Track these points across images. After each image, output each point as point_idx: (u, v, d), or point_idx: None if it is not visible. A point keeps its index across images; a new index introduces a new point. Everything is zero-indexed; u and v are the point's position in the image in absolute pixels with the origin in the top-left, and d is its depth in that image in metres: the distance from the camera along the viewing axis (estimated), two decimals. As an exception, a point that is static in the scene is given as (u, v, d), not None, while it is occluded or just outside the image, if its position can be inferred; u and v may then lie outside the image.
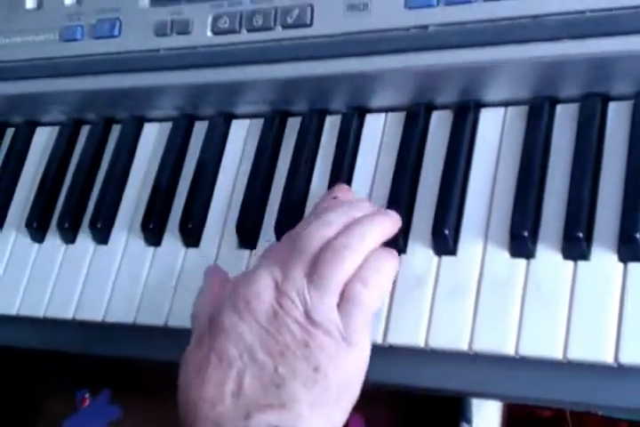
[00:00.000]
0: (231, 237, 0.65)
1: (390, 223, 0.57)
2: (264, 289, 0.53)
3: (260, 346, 0.52)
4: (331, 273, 0.53)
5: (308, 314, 0.52)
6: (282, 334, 0.52)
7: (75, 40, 0.71)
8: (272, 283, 0.53)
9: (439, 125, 0.63)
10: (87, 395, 0.89)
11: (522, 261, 0.55)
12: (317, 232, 0.55)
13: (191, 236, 0.66)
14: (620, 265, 0.53)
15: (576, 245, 0.53)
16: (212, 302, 0.57)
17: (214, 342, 0.53)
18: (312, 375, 0.51)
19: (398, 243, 0.58)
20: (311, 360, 0.51)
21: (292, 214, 0.64)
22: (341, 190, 0.61)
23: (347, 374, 0.52)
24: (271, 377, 0.51)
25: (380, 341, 0.57)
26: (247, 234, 0.64)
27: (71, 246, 0.71)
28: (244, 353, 0.52)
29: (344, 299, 0.53)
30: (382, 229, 0.56)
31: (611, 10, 0.54)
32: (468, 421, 0.73)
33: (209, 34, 0.67)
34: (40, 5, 0.74)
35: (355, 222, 0.55)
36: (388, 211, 0.58)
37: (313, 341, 0.52)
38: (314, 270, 0.53)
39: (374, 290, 0.54)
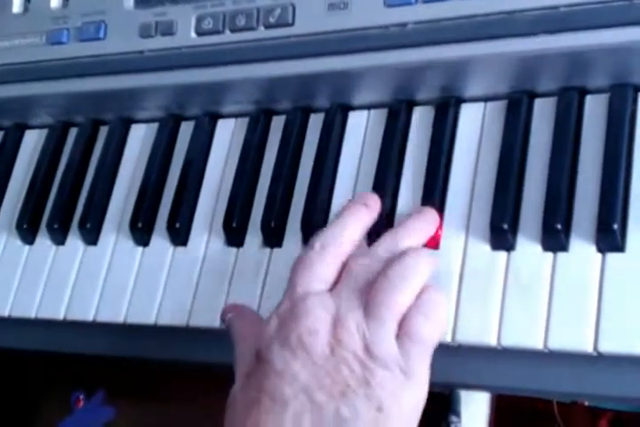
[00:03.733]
0: (219, 235, 0.66)
1: (435, 260, 0.54)
2: (319, 323, 0.50)
3: (318, 385, 0.49)
4: (390, 301, 0.50)
5: (367, 348, 0.49)
6: (340, 373, 0.49)
7: (61, 43, 0.72)
8: (326, 315, 0.51)
9: (421, 121, 0.63)
10: (82, 396, 0.89)
11: (502, 254, 0.56)
12: (367, 264, 0.53)
13: (179, 235, 0.67)
14: (599, 256, 0.53)
15: (555, 237, 0.54)
16: (254, 338, 0.53)
17: (265, 383, 0.50)
18: (375, 416, 0.48)
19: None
20: (373, 399, 0.48)
21: (279, 212, 0.64)
22: (374, 199, 0.59)
23: (408, 409, 0.50)
24: (333, 419, 0.48)
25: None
26: (234, 232, 0.65)
27: (61, 247, 0.72)
28: (299, 393, 0.49)
29: (404, 332, 0.50)
30: (430, 262, 0.54)
31: (584, 4, 0.54)
32: (457, 413, 0.73)
33: (193, 35, 0.68)
34: (26, 9, 0.75)
35: (405, 254, 0.53)
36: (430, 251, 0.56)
37: (373, 378, 0.49)
38: (370, 299, 0.51)
39: (435, 324, 0.51)
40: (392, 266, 0.52)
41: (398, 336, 0.50)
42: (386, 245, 0.55)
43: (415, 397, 0.50)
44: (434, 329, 0.51)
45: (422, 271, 0.52)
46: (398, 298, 0.51)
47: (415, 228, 0.57)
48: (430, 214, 0.58)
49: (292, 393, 0.49)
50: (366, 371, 0.49)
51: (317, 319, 0.51)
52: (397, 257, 0.53)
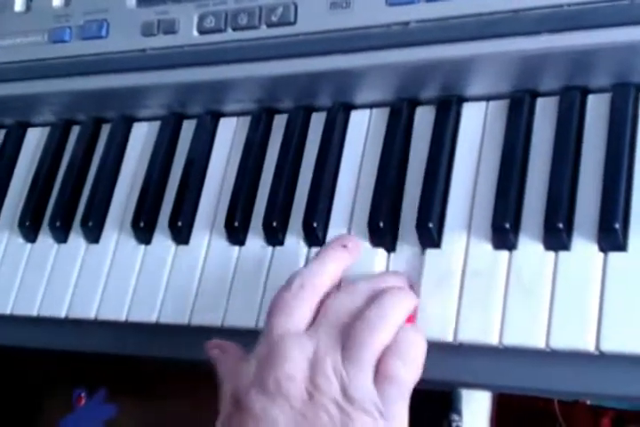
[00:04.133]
0: (220, 234, 0.66)
1: (415, 297, 0.55)
2: (295, 368, 0.50)
3: None
4: (367, 344, 0.50)
5: (345, 392, 0.49)
6: (319, 418, 0.49)
7: (63, 41, 0.72)
8: (303, 359, 0.51)
9: (423, 120, 0.63)
10: (83, 394, 0.89)
11: (504, 253, 0.56)
12: (346, 302, 0.53)
13: (181, 233, 0.67)
14: (601, 255, 0.53)
15: (557, 236, 0.54)
16: (233, 378, 0.53)
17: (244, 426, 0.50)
18: None
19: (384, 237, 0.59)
20: None
21: (281, 211, 0.64)
22: (350, 240, 0.58)
23: None
24: None
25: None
26: (236, 231, 0.65)
27: (63, 246, 0.72)
28: None
29: (381, 375, 0.50)
30: (411, 301, 0.54)
31: (588, 3, 0.54)
32: (458, 412, 0.73)
33: (195, 33, 0.68)
34: (29, 8, 0.75)
35: (384, 292, 0.53)
36: (404, 287, 0.56)
37: (352, 422, 0.49)
38: (348, 342, 0.51)
39: (413, 366, 0.51)
40: (370, 306, 0.52)
41: (376, 379, 0.50)
42: (365, 281, 0.55)
43: None
44: (411, 371, 0.51)
45: (400, 310, 0.53)
46: (376, 340, 0.51)
47: (395, 274, 0.57)
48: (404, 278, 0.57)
49: None
50: (345, 416, 0.49)
51: (294, 364, 0.50)
52: (376, 295, 0.53)
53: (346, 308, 0.53)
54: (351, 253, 0.57)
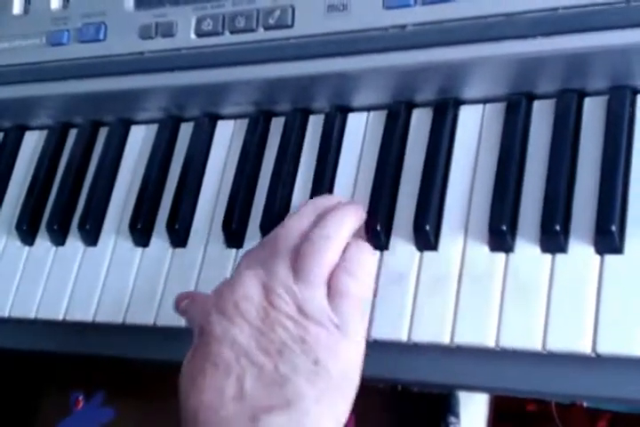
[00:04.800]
0: (218, 236, 0.66)
1: (360, 211, 0.58)
2: (251, 290, 0.53)
3: (256, 347, 0.52)
4: (314, 264, 0.53)
5: (299, 308, 0.52)
6: (276, 332, 0.52)
7: (61, 44, 0.72)
8: (258, 282, 0.54)
9: (420, 123, 0.64)
10: (81, 397, 0.89)
11: (501, 255, 0.56)
12: (292, 226, 0.55)
13: (178, 236, 0.67)
14: (597, 257, 0.53)
15: (553, 239, 0.54)
16: (199, 314, 0.56)
17: (207, 350, 0.53)
18: (313, 369, 0.51)
19: (380, 239, 0.59)
20: (310, 354, 0.51)
21: (278, 213, 0.64)
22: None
23: (346, 362, 0.52)
24: (272, 377, 0.51)
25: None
26: (233, 233, 0.65)
27: (61, 248, 0.72)
28: (240, 356, 0.52)
29: (332, 290, 0.53)
30: (355, 217, 0.57)
31: (583, 6, 0.55)
32: (456, 414, 0.73)
33: (193, 36, 0.68)
34: (27, 11, 0.75)
35: (328, 212, 0.56)
36: (352, 201, 0.59)
37: (308, 334, 0.51)
38: (297, 264, 0.53)
39: (360, 280, 0.54)
40: (314, 229, 0.55)
41: (329, 295, 0.53)
42: (310, 203, 0.57)
43: (351, 350, 0.52)
44: (360, 284, 0.54)
45: (344, 227, 0.55)
46: (322, 260, 0.53)
47: (345, 212, 0.58)
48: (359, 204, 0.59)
49: (232, 357, 0.52)
50: (301, 329, 0.52)
51: (250, 287, 0.53)
52: (321, 215, 0.56)
53: (293, 231, 0.55)
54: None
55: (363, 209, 0.59)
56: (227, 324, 0.53)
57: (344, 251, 0.55)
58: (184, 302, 0.60)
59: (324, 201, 0.58)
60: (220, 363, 0.52)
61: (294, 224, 0.56)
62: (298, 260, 0.54)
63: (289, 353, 0.51)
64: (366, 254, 0.55)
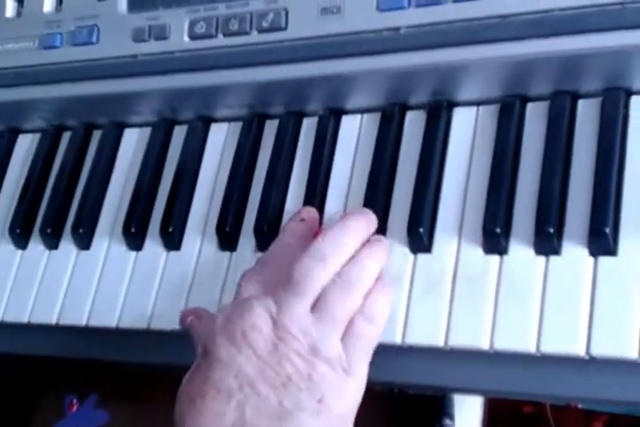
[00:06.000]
0: (211, 239, 0.66)
1: (385, 252, 0.57)
2: (260, 321, 0.53)
3: (261, 378, 0.51)
4: (340, 309, 0.53)
5: (312, 347, 0.52)
6: (283, 366, 0.51)
7: (54, 47, 0.72)
8: (267, 315, 0.53)
9: (413, 125, 0.64)
10: (75, 400, 0.89)
11: (495, 258, 0.56)
12: (314, 268, 0.54)
13: (172, 239, 0.67)
14: (591, 259, 0.53)
15: (547, 241, 0.54)
16: (204, 333, 0.55)
17: (211, 373, 0.52)
18: (317, 407, 0.51)
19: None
20: (315, 392, 0.51)
21: (272, 216, 0.64)
22: (309, 213, 0.62)
23: (347, 403, 0.52)
24: (275, 409, 0.51)
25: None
26: (227, 236, 0.65)
27: (54, 252, 0.72)
28: (244, 385, 0.51)
29: (348, 333, 0.53)
30: (380, 260, 0.56)
31: (577, 8, 0.55)
32: (451, 416, 0.73)
33: (186, 39, 0.68)
34: (19, 14, 0.75)
35: (355, 257, 0.55)
36: (378, 237, 0.58)
37: (315, 372, 0.51)
38: (321, 307, 0.53)
39: (379, 325, 0.54)
40: (342, 273, 0.54)
41: (342, 337, 0.53)
42: (327, 242, 0.56)
43: (354, 390, 0.53)
44: (376, 330, 0.54)
45: (370, 275, 0.55)
46: (348, 306, 0.54)
47: (356, 225, 0.57)
48: (368, 215, 0.58)
49: (236, 385, 0.51)
50: (309, 366, 0.52)
51: (259, 317, 0.53)
52: (348, 263, 0.55)
53: (315, 274, 0.54)
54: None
55: (386, 245, 0.58)
56: (234, 351, 0.52)
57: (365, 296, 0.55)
58: (189, 319, 0.59)
59: (344, 237, 0.56)
60: (223, 388, 0.51)
61: (315, 265, 0.54)
62: (322, 302, 0.53)
63: (294, 388, 0.51)
64: (387, 300, 0.55)
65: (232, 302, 0.57)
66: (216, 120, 0.72)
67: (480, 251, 0.56)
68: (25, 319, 0.69)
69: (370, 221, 0.58)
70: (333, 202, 0.63)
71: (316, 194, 0.64)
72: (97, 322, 0.67)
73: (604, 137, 0.56)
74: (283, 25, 0.64)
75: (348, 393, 0.52)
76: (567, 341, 0.52)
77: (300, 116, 0.68)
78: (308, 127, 0.68)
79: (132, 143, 0.74)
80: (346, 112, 0.67)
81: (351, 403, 0.53)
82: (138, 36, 0.69)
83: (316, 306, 0.53)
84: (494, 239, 0.55)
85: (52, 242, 0.72)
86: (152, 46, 0.69)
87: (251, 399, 0.51)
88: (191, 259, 0.66)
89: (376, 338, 0.55)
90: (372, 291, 0.55)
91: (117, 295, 0.67)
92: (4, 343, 0.72)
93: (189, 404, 0.52)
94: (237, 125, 0.70)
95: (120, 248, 0.69)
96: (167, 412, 0.85)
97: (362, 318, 0.54)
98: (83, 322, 0.67)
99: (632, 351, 0.50)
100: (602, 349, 0.51)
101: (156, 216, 0.69)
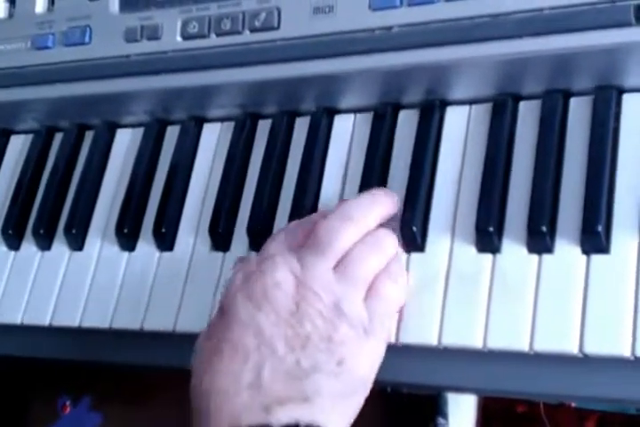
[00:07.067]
0: (205, 240, 0.66)
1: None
2: (283, 280, 0.52)
3: (280, 338, 0.51)
4: (364, 269, 0.53)
5: (336, 307, 0.51)
6: (303, 327, 0.51)
7: (46, 48, 0.72)
8: (290, 274, 0.52)
9: (406, 124, 0.63)
10: (68, 402, 0.89)
11: (488, 256, 0.56)
12: (341, 227, 0.54)
13: (165, 240, 0.67)
14: (584, 257, 0.53)
15: (540, 239, 0.54)
16: (224, 290, 0.55)
17: (228, 333, 0.52)
18: (336, 369, 0.50)
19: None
20: (335, 354, 0.50)
21: (265, 216, 0.64)
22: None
23: (366, 367, 0.52)
24: (293, 370, 0.50)
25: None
26: (220, 236, 0.65)
27: (47, 253, 0.72)
28: (261, 345, 0.51)
29: (372, 293, 0.53)
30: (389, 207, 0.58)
31: (568, 7, 0.55)
32: (444, 416, 0.73)
33: (178, 39, 0.67)
34: (11, 14, 0.75)
35: (381, 225, 0.56)
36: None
37: (336, 333, 0.51)
38: (345, 266, 0.53)
39: (402, 286, 0.55)
40: (367, 235, 0.55)
41: (365, 298, 0.53)
42: (354, 205, 0.56)
43: (374, 353, 0.52)
44: (400, 291, 0.55)
45: (395, 241, 0.56)
46: (372, 266, 0.54)
47: (383, 199, 0.58)
48: (395, 196, 0.59)
49: (253, 344, 0.51)
50: (330, 327, 0.51)
51: (282, 275, 0.52)
52: (371, 231, 0.55)
53: (342, 233, 0.54)
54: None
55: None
56: (253, 310, 0.52)
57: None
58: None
59: (374, 204, 0.57)
60: (240, 348, 0.51)
61: (342, 224, 0.55)
62: (346, 261, 0.53)
63: (313, 349, 0.50)
64: (404, 269, 0.56)
65: (255, 257, 0.56)
66: (209, 120, 0.72)
67: (473, 250, 0.56)
68: (18, 320, 0.69)
69: (395, 202, 0.58)
70: (326, 201, 0.63)
71: (308, 193, 0.64)
72: (90, 323, 0.67)
73: (596, 135, 0.56)
74: (275, 24, 0.64)
75: (369, 356, 0.52)
76: (560, 339, 0.51)
77: (292, 115, 0.68)
78: (301, 127, 0.67)
79: (125, 144, 0.74)
80: (339, 111, 0.67)
81: (371, 366, 0.52)
82: (130, 37, 0.69)
83: (339, 266, 0.53)
84: (487, 238, 0.55)
85: (44, 243, 0.72)
86: (144, 46, 0.68)
87: (268, 359, 0.50)
88: (184, 259, 0.66)
89: (399, 300, 0.54)
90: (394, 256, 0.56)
91: (110, 296, 0.67)
92: (-3, 345, 0.72)
93: (206, 363, 0.52)
94: (230, 125, 0.70)
95: (113, 249, 0.69)
96: (161, 414, 0.85)
97: (386, 277, 0.54)
98: (76, 323, 0.67)
99: (625, 349, 0.50)
100: (595, 347, 0.51)
101: (148, 217, 0.69)
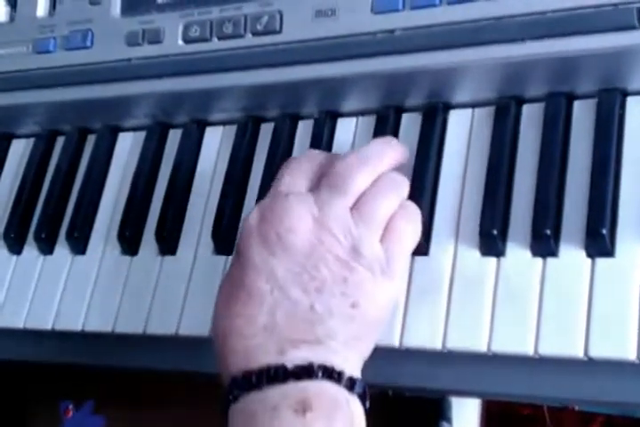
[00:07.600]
0: (207, 243, 0.66)
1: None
2: (299, 222, 0.52)
3: (293, 282, 0.51)
4: (382, 209, 0.53)
5: (355, 250, 0.51)
6: (319, 270, 0.51)
7: (48, 52, 0.72)
8: (308, 215, 0.52)
9: (409, 128, 0.63)
10: (71, 406, 0.89)
11: (492, 260, 0.56)
12: (359, 167, 0.54)
13: (167, 244, 0.67)
14: (588, 261, 0.53)
15: (544, 242, 0.54)
16: (241, 229, 0.55)
17: (244, 277, 0.52)
18: (350, 312, 0.50)
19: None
20: (349, 297, 0.51)
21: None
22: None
23: (382, 308, 0.52)
24: (306, 314, 0.50)
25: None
26: (223, 240, 0.65)
27: (49, 257, 0.72)
28: (274, 289, 0.51)
29: (389, 234, 0.53)
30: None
31: (571, 10, 0.54)
32: (448, 420, 0.73)
33: (180, 42, 0.67)
34: (12, 18, 0.74)
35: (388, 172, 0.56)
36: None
37: (352, 276, 0.51)
38: (362, 206, 0.53)
39: (417, 227, 0.55)
40: (383, 176, 0.55)
41: (381, 239, 0.53)
42: (371, 147, 0.57)
43: (389, 294, 0.53)
44: (416, 233, 0.55)
45: (408, 185, 0.56)
46: (389, 206, 0.54)
47: (398, 147, 0.58)
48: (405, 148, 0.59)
49: (267, 289, 0.51)
50: (345, 270, 0.51)
51: (299, 218, 0.52)
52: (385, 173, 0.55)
53: (360, 174, 0.54)
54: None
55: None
56: (266, 254, 0.52)
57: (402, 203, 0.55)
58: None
59: (388, 147, 0.57)
60: (255, 292, 0.51)
61: (359, 166, 0.54)
62: (363, 202, 0.53)
63: (328, 293, 0.50)
64: (418, 211, 0.56)
65: (269, 192, 0.56)
66: (211, 123, 0.71)
67: (477, 253, 0.56)
68: (20, 325, 0.69)
69: (406, 152, 0.59)
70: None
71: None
72: (93, 327, 0.66)
73: (600, 138, 0.56)
74: (277, 28, 0.64)
75: (384, 298, 0.52)
76: (565, 343, 0.51)
77: (295, 119, 0.68)
78: (304, 130, 0.67)
79: (127, 147, 0.74)
80: (341, 115, 0.67)
81: (386, 307, 0.52)
82: (132, 40, 0.69)
83: (355, 207, 0.53)
84: (491, 241, 0.55)
85: (46, 247, 0.72)
86: (146, 50, 0.68)
87: (282, 303, 0.50)
88: (187, 263, 0.66)
89: (415, 239, 0.55)
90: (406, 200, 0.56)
91: (113, 300, 0.66)
92: (0, 349, 0.72)
93: (225, 306, 0.52)
94: (232, 129, 0.70)
95: (115, 253, 0.69)
96: (164, 417, 0.85)
97: (402, 218, 0.54)
98: (78, 327, 0.67)
99: (630, 353, 0.50)
100: (600, 350, 0.51)
101: (151, 221, 0.69)
